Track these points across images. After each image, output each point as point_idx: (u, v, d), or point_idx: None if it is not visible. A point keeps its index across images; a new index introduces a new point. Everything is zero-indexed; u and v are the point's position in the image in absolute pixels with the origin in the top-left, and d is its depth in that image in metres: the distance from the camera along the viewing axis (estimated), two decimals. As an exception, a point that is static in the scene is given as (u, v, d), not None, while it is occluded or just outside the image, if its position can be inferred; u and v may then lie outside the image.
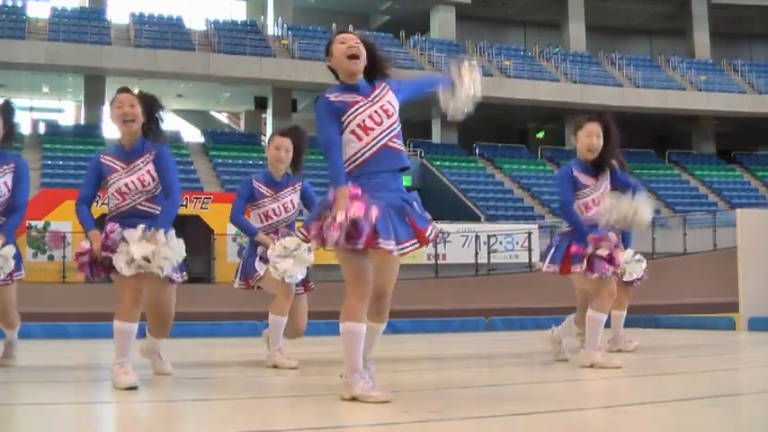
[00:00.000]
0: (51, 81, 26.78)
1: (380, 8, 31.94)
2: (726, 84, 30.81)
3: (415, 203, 3.60)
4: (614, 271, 4.98)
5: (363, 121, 3.54)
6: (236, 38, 27.03)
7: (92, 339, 8.57)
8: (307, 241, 3.66)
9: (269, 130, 27.56)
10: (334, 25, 27.00)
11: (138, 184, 4.22)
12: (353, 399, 3.37)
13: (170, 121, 29.49)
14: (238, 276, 5.43)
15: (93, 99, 25.94)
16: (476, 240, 17.84)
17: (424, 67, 27.81)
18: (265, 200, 5.34)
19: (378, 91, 3.62)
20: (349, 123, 3.54)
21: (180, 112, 31.72)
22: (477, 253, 17.57)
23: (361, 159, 3.53)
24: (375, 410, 3.21)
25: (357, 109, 3.55)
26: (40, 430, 3.03)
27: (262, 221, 5.36)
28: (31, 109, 29.86)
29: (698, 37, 32.62)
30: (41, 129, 26.73)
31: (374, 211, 3.35)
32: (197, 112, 32.67)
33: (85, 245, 4.16)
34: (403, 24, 30.36)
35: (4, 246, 4.62)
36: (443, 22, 30.55)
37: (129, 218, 4.18)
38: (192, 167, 23.31)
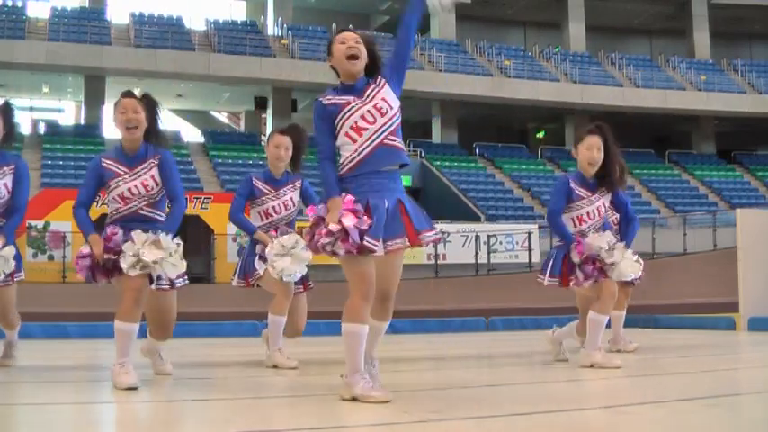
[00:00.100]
0: (51, 81, 26.79)
1: (380, 8, 31.94)
2: (726, 84, 30.82)
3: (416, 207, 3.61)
4: (604, 273, 5.00)
5: (356, 122, 3.52)
6: (236, 38, 27.04)
7: (92, 339, 8.56)
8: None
9: (269, 130, 27.42)
10: (334, 25, 27.00)
11: (142, 188, 4.21)
12: (354, 399, 3.37)
13: (170, 121, 29.52)
14: (237, 274, 5.43)
15: (93, 99, 25.96)
16: (476, 240, 17.85)
17: (424, 67, 27.82)
18: (265, 197, 5.34)
19: (371, 89, 3.58)
20: (342, 125, 3.53)
21: (180, 112, 31.73)
22: (477, 253, 17.59)
23: (357, 160, 3.51)
24: (375, 410, 3.21)
25: (349, 110, 3.53)
26: (40, 430, 3.03)
27: (262, 219, 5.35)
28: (31, 109, 29.87)
29: (698, 37, 32.62)
30: (41, 129, 26.74)
31: (366, 221, 3.36)
32: (197, 112, 32.69)
33: (85, 249, 4.15)
34: (403, 24, 30.33)
35: (4, 247, 4.62)
36: (443, 22, 30.54)
37: (130, 222, 4.17)
38: (192, 167, 23.32)
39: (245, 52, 26.06)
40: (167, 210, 4.32)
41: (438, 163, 26.87)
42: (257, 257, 5.27)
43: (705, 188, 28.33)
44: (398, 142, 3.58)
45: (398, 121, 3.60)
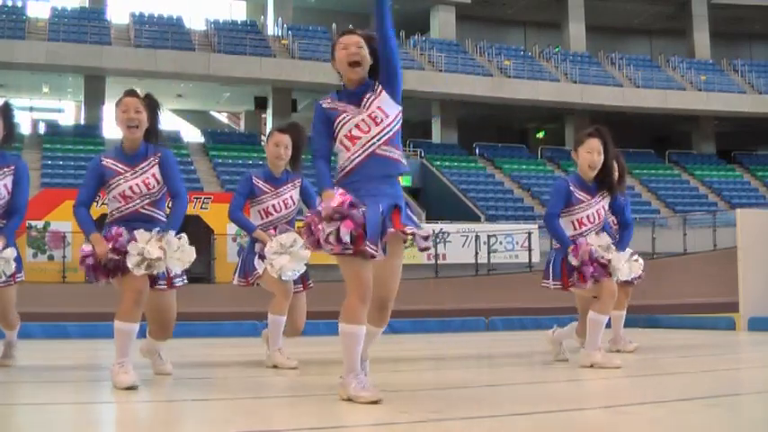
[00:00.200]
0: (51, 81, 26.79)
1: (380, 8, 31.92)
2: (726, 84, 30.82)
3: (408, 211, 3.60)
4: (604, 273, 5.00)
5: (350, 130, 3.53)
6: (236, 38, 27.04)
7: (92, 339, 8.57)
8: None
9: (269, 130, 27.53)
10: (334, 25, 27.04)
11: (143, 187, 4.21)
12: (349, 399, 3.38)
13: (170, 121, 29.53)
14: (237, 273, 5.43)
15: (93, 99, 25.96)
16: (476, 240, 17.85)
17: (424, 67, 27.83)
18: (265, 196, 5.33)
19: (367, 98, 3.54)
20: (339, 132, 3.55)
21: (180, 112, 31.73)
22: (477, 253, 17.58)
23: (349, 167, 3.53)
24: (375, 410, 3.21)
25: (345, 119, 3.54)
26: (40, 430, 3.03)
27: (262, 218, 5.35)
28: (31, 109, 29.88)
29: (698, 37, 32.63)
30: (41, 129, 26.75)
31: (360, 219, 3.36)
32: (197, 112, 32.67)
33: (87, 248, 4.15)
34: (403, 24, 30.30)
35: (4, 248, 4.62)
36: (443, 22, 30.56)
37: (131, 221, 4.17)
38: (192, 167, 23.31)
39: (245, 52, 26.07)
40: (167, 209, 4.33)
41: (438, 163, 26.87)
42: (257, 256, 5.27)
43: (705, 188, 28.33)
44: (394, 152, 3.54)
45: (396, 128, 3.56)
